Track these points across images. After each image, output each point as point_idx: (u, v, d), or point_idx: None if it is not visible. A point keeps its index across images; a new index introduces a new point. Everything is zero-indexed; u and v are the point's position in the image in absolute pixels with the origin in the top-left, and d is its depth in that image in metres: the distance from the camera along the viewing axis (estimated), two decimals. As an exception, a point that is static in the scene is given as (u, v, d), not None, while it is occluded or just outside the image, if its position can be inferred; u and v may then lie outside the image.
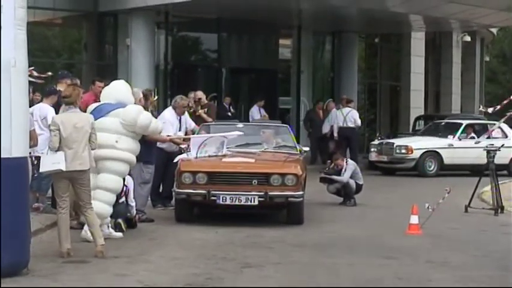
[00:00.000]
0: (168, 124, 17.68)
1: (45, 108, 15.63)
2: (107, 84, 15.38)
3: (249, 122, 27.58)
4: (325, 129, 30.85)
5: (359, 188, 19.95)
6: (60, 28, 31.85)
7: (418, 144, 27.21)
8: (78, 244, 12.83)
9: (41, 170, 13.99)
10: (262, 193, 13.96)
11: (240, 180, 14.21)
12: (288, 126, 18.23)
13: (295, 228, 15.54)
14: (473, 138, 27.23)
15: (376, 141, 30.39)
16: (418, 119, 34.69)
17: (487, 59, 45.37)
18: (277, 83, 33.94)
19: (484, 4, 32.52)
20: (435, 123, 31.50)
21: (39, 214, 14.34)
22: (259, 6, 27.77)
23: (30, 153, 12.67)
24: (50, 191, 14.04)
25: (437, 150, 23.88)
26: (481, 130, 28.50)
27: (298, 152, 16.84)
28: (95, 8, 29.33)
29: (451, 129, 28.84)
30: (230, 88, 31.70)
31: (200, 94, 22.57)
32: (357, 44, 36.49)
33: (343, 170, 20.35)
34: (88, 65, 27.87)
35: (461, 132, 28.12)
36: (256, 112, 28.87)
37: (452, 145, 26.95)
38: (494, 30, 43.32)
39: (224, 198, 13.92)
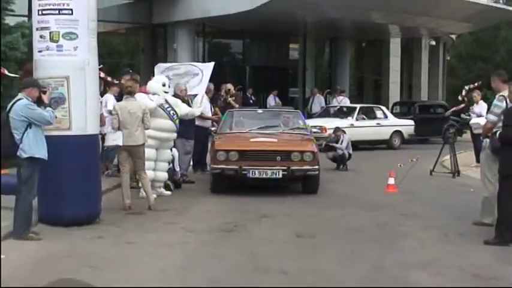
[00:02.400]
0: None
1: (106, 97, 15.69)
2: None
3: (266, 108, 27.61)
4: (315, 109, 30.51)
5: (350, 156, 19.99)
6: (123, 36, 31.88)
7: (329, 125, 24.61)
8: (137, 200, 12.92)
9: (105, 144, 14.18)
10: (285, 167, 13.28)
11: (266, 157, 13.48)
12: (298, 111, 17.14)
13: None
14: (364, 119, 27.01)
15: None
16: (395, 104, 34.52)
17: (448, 58, 45.14)
18: (287, 77, 33.91)
19: (445, 17, 32.58)
20: (330, 107, 30.23)
21: (108, 178, 14.39)
22: (274, 20, 27.73)
23: (100, 131, 12.75)
24: (115, 160, 14.05)
25: (344, 129, 23.18)
26: (369, 112, 28.09)
27: (309, 133, 15.76)
28: (150, 20, 29.37)
29: (346, 113, 27.69)
30: (252, 81, 31.67)
31: (229, 86, 22.41)
32: (349, 48, 36.46)
33: (341, 140, 20.43)
34: (144, 64, 27.76)
35: (357, 114, 26.88)
36: (272, 99, 28.82)
37: (353, 125, 25.73)
38: (453, 36, 43.17)
39: (253, 172, 13.18)
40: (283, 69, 34.42)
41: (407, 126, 28.47)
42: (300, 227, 11.23)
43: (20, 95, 10.19)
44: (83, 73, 11.11)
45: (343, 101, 29.36)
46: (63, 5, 10.96)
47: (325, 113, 28.05)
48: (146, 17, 29.30)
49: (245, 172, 13.23)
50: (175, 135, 14.31)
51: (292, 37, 34.83)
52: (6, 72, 14.36)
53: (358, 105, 27.33)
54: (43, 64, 11.11)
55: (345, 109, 27.31)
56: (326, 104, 30.83)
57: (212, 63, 17.53)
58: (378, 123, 26.16)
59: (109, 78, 16.04)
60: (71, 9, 10.98)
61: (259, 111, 17.93)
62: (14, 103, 10.05)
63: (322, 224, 11.54)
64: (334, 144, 20.09)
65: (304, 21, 30.65)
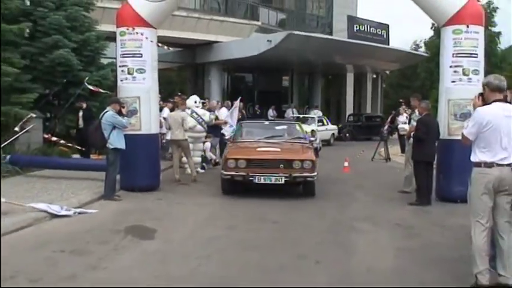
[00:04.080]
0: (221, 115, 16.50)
1: (164, 110, 15.63)
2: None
3: (267, 117, 27.48)
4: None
5: (320, 148, 20.02)
6: (176, 72, 31.78)
7: (307, 128, 23.17)
8: (183, 176, 12.88)
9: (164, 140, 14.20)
10: (287, 174, 10.39)
11: (271, 165, 10.59)
12: (298, 123, 13.97)
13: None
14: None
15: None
16: (350, 115, 34.38)
17: (384, 86, 45.05)
18: (281, 97, 33.77)
19: (382, 59, 32.73)
20: (296, 116, 27.00)
21: (165, 161, 14.34)
22: (272, 61, 27.75)
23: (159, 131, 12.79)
24: (170, 149, 14.03)
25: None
26: (320, 121, 26.42)
27: (308, 140, 12.56)
28: (194, 61, 29.33)
29: (309, 121, 25.34)
30: (259, 100, 31.62)
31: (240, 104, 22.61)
32: (320, 79, 36.28)
33: (315, 138, 20.35)
34: (190, 90, 27.47)
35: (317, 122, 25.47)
36: (271, 111, 28.56)
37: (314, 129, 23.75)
38: (387, 71, 43.11)
39: (259, 178, 10.45)
40: (278, 92, 34.29)
41: (335, 130, 28.01)
42: (286, 198, 11.10)
43: (107, 108, 10.27)
44: (148, 95, 11.16)
45: (318, 112, 29.05)
46: (136, 51, 11.02)
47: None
48: (191, 58, 29.24)
49: (252, 178, 10.49)
50: (203, 134, 14.34)
51: (284, 71, 34.69)
52: (100, 90, 14.43)
53: (315, 116, 26.56)
54: (123, 89, 11.16)
55: (309, 119, 26.26)
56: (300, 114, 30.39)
57: (239, 98, 17.40)
58: (326, 128, 25.89)
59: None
60: (141, 54, 11.04)
61: (266, 122, 14.41)
62: (104, 113, 10.13)
63: (299, 192, 11.42)
64: (311, 140, 20.07)
65: (292, 61, 30.54)
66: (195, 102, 14.47)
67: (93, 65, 16.41)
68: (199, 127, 13.93)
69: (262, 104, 30.17)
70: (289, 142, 11.94)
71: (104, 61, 17.54)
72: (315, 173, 10.56)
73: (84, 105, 15.08)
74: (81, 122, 15.10)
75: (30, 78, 14.18)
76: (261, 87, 33.24)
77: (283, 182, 10.39)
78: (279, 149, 11.09)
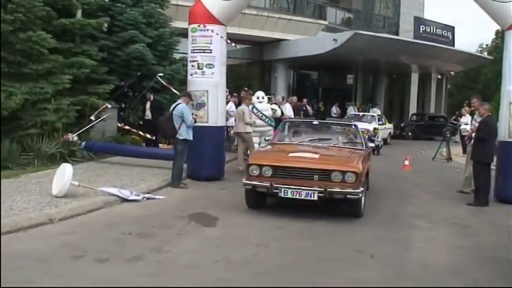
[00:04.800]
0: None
1: (229, 104, 15.72)
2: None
3: (331, 115, 27.24)
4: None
5: (382, 145, 19.92)
6: (244, 68, 31.92)
7: (370, 126, 21.69)
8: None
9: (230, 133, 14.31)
10: (322, 189, 7.90)
11: (302, 175, 8.13)
12: (356, 125, 10.85)
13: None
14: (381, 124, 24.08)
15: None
16: (413, 114, 33.88)
17: (448, 86, 44.05)
18: (345, 95, 33.38)
19: (447, 61, 32.01)
20: (355, 114, 26.06)
21: (230, 153, 14.41)
22: (337, 59, 27.48)
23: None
24: (235, 142, 14.13)
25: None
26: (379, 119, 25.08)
27: (364, 148, 9.79)
28: (261, 58, 29.41)
29: (369, 119, 24.23)
30: (323, 97, 31.42)
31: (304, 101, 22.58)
32: (384, 77, 35.75)
33: (377, 136, 20.25)
34: (256, 86, 27.40)
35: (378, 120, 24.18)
36: (334, 109, 28.30)
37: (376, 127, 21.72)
38: (452, 72, 42.17)
39: (286, 191, 8.04)
40: (342, 90, 33.93)
41: (392, 128, 27.32)
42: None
43: (179, 101, 10.45)
44: (216, 89, 11.29)
45: (376, 111, 28.42)
46: (206, 47, 11.17)
47: (352, 118, 23.48)
48: (259, 55, 29.32)
49: (277, 191, 8.07)
50: (269, 128, 14.34)
51: (349, 69, 34.30)
52: (171, 87, 14.69)
53: (375, 115, 25.93)
54: (193, 83, 11.33)
55: (369, 117, 25.31)
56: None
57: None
58: (384, 127, 25.29)
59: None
60: (211, 50, 11.17)
61: (315, 122, 11.26)
62: (176, 105, 10.32)
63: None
64: (374, 138, 19.90)
65: (357, 60, 30.24)
66: (258, 98, 14.56)
67: (166, 60, 16.69)
68: (259, 121, 13.95)
69: (326, 101, 29.96)
70: (339, 147, 9.46)
71: (176, 56, 17.81)
72: (360, 189, 7.99)
73: (152, 98, 15.42)
74: (148, 113, 15.51)
75: (107, 71, 14.54)
76: (325, 84, 32.99)
77: (315, 198, 7.90)
78: (316, 156, 8.48)
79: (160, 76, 14.68)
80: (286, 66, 29.17)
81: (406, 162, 15.08)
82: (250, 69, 31.96)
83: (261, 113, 14.12)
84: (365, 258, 6.19)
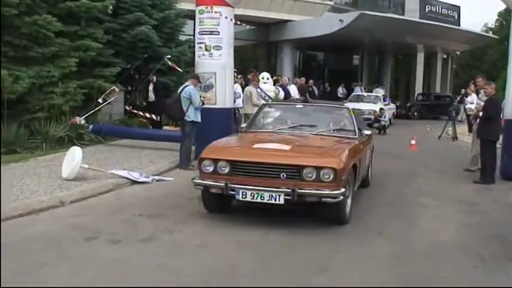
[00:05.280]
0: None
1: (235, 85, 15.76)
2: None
3: (337, 95, 27.19)
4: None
5: (388, 125, 19.96)
6: (250, 49, 31.81)
7: (376, 107, 21.92)
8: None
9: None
10: (289, 190, 6.18)
11: (266, 173, 6.35)
12: (348, 108, 8.72)
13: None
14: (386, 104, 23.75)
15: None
16: (418, 94, 33.79)
17: (454, 66, 43.91)
18: (351, 76, 33.23)
19: (452, 40, 31.91)
20: (359, 95, 25.70)
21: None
22: (343, 40, 27.41)
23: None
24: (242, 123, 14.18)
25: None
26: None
27: (356, 136, 7.85)
28: (267, 39, 29.36)
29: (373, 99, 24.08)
30: (329, 78, 31.41)
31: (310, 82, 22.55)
32: (390, 57, 35.63)
33: (383, 115, 20.33)
34: (262, 67, 27.41)
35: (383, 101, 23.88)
36: (340, 89, 28.30)
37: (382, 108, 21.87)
38: (458, 52, 42.06)
39: (244, 193, 6.32)
40: (348, 71, 33.84)
41: (394, 108, 26.86)
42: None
43: (187, 83, 10.52)
44: (224, 71, 11.37)
45: (380, 91, 28.22)
46: (214, 29, 11.23)
47: (356, 99, 24.19)
48: (265, 36, 29.25)
49: (233, 192, 6.38)
50: None
51: (355, 50, 34.15)
52: (178, 68, 14.73)
53: (380, 95, 25.46)
54: (200, 64, 11.41)
55: (372, 97, 24.93)
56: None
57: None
58: (389, 107, 25.13)
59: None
60: (218, 32, 11.22)
61: (299, 106, 9.04)
62: (184, 87, 10.39)
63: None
64: (380, 118, 19.96)
65: (363, 40, 30.14)
66: (262, 78, 14.64)
67: (172, 42, 16.72)
68: (262, 102, 14.03)
69: (332, 82, 29.93)
70: (324, 135, 7.62)
71: (182, 38, 17.83)
72: (341, 190, 6.23)
73: (155, 79, 15.46)
74: (151, 94, 15.56)
75: (113, 53, 14.60)
76: (331, 65, 32.95)
77: (281, 201, 6.19)
78: (287, 147, 6.71)
79: (168, 58, 14.73)
80: (292, 47, 29.11)
81: (413, 142, 15.12)
82: (256, 51, 31.90)
83: (265, 93, 14.17)
84: (372, 235, 6.28)
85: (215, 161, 6.55)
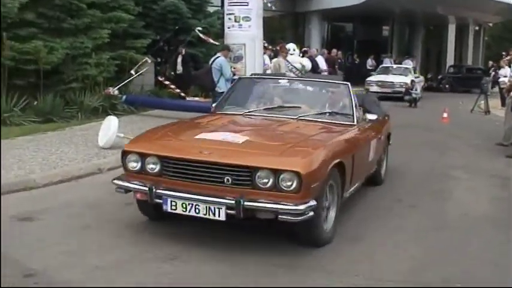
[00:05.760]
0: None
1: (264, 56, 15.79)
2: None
3: (366, 67, 27.02)
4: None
5: (419, 98, 19.93)
6: (278, 20, 31.73)
7: (406, 79, 21.72)
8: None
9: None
10: (232, 201, 4.32)
11: (205, 175, 4.45)
12: (347, 84, 6.29)
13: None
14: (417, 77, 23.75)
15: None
16: (450, 66, 33.32)
17: (486, 38, 43.29)
18: (381, 47, 32.88)
19: (485, 11, 31.49)
20: (387, 66, 25.34)
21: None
22: (373, 10, 27.23)
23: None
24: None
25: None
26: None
27: (354, 122, 5.89)
28: (293, 9, 29.21)
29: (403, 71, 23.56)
30: (358, 50, 31.20)
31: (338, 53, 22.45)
32: (421, 29, 35.28)
33: (415, 88, 20.21)
34: (289, 38, 27.29)
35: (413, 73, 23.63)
36: (370, 61, 28.13)
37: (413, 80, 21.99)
38: (490, 24, 41.41)
39: (173, 203, 4.51)
40: (378, 42, 33.56)
41: (423, 81, 26.19)
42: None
43: (218, 54, 10.65)
44: (253, 42, 11.47)
45: (408, 62, 27.99)
46: (243, 0, 11.29)
47: (384, 71, 24.00)
48: (292, 7, 29.12)
49: (160, 201, 4.62)
50: None
51: (385, 21, 33.82)
52: (210, 40, 14.81)
53: (410, 67, 25.04)
54: (230, 36, 11.55)
55: (402, 69, 24.30)
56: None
57: None
58: (420, 80, 24.79)
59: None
60: (248, 2, 11.30)
61: (284, 80, 7.03)
62: (215, 59, 10.51)
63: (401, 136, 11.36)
64: (411, 91, 19.82)
65: (392, 11, 29.91)
66: (288, 50, 14.66)
67: (200, 13, 16.76)
68: (290, 74, 14.07)
69: (361, 53, 29.75)
70: (307, 121, 5.73)
71: (210, 9, 17.88)
72: (308, 204, 4.38)
73: (184, 51, 15.55)
74: (179, 67, 15.67)
75: (144, 25, 14.73)
76: (360, 36, 32.72)
77: (222, 217, 4.44)
78: (242, 139, 4.84)
79: (198, 30, 14.81)
80: (320, 18, 28.96)
81: (445, 115, 15.04)
82: (283, 22, 31.82)
83: (291, 65, 14.21)
84: (404, 208, 6.38)
85: (142, 155, 4.79)
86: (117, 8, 13.29)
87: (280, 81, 6.94)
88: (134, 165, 4.86)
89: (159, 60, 16.50)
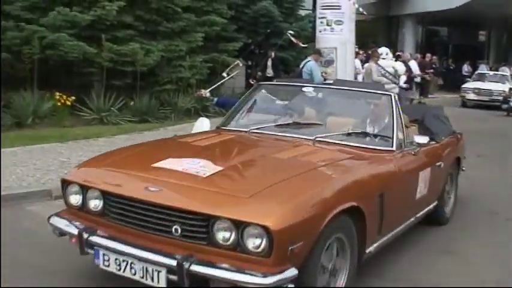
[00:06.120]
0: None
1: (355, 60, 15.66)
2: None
3: (462, 73, 26.18)
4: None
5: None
6: (370, 23, 31.43)
7: (504, 87, 20.45)
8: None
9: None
10: (174, 263, 2.98)
11: (150, 221, 3.17)
12: (391, 95, 4.68)
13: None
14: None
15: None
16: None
17: None
18: (477, 53, 31.71)
19: None
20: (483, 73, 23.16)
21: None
22: (469, 15, 26.44)
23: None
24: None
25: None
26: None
27: (393, 148, 4.26)
28: (388, 13, 28.89)
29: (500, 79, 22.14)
30: (453, 54, 30.49)
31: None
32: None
33: None
34: (381, 43, 27.07)
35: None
36: (465, 67, 27.14)
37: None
38: None
39: (106, 258, 3.24)
40: (474, 47, 32.57)
41: None
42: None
43: (309, 58, 10.70)
44: (345, 46, 11.41)
45: (506, 70, 26.87)
46: (335, 3, 11.27)
47: (480, 77, 22.56)
48: (385, 11, 28.81)
49: (91, 251, 3.37)
50: (392, 85, 13.99)
51: (481, 26, 32.83)
52: (300, 43, 14.88)
53: (507, 74, 23.52)
54: (322, 39, 11.54)
55: (499, 76, 22.94)
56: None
57: None
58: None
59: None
60: (340, 6, 11.25)
61: (307, 89, 5.16)
62: (305, 63, 10.58)
63: (495, 147, 10.95)
64: (509, 99, 19.04)
65: (489, 16, 28.89)
66: (381, 54, 14.41)
67: (292, 17, 16.92)
68: (383, 79, 13.85)
69: (457, 59, 28.96)
70: (327, 143, 4.33)
71: (302, 13, 17.96)
72: (280, 276, 2.94)
73: (273, 55, 15.67)
74: (269, 70, 15.79)
75: (236, 28, 15.02)
76: (455, 41, 31.97)
77: (161, 283, 3.14)
78: (216, 169, 3.54)
79: (290, 34, 14.92)
80: (414, 21, 28.55)
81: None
82: (375, 25, 31.49)
83: (384, 69, 13.98)
84: (499, 221, 6.19)
85: (83, 188, 3.65)
86: (211, 12, 13.64)
87: (304, 89, 5.26)
88: (76, 199, 3.68)
89: (250, 63, 16.75)
